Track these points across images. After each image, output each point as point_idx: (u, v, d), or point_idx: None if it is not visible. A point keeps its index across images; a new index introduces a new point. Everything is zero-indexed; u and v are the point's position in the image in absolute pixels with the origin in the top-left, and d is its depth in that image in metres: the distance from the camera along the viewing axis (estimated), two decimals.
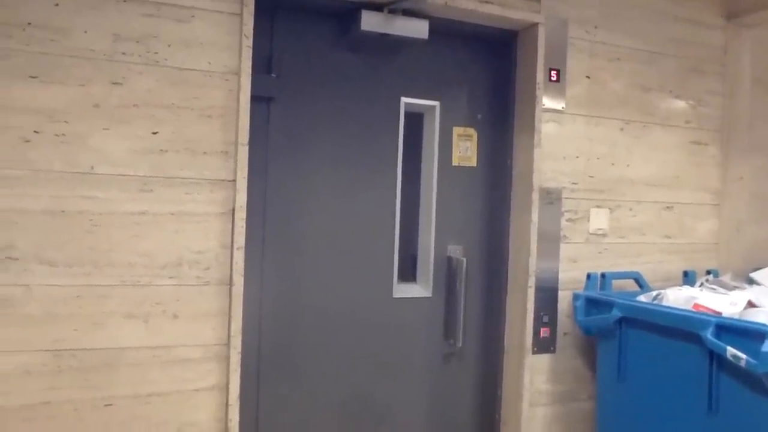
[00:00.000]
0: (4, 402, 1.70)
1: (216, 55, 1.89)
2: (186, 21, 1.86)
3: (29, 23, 1.70)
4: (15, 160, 1.70)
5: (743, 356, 1.73)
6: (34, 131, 1.72)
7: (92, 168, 1.77)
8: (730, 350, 1.76)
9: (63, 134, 1.74)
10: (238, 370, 1.92)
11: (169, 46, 1.84)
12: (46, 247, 1.73)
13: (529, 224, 2.31)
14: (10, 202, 1.70)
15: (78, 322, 1.77)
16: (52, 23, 1.73)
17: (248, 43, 1.91)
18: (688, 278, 2.48)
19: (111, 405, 1.81)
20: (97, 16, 1.77)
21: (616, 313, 2.16)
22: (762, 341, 1.67)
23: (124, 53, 1.80)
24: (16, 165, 1.70)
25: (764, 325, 1.75)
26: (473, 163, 2.41)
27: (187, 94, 1.87)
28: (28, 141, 1.71)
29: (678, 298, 2.11)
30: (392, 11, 2.09)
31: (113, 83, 1.79)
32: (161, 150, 1.84)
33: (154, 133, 1.84)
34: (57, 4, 1.73)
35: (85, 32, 1.76)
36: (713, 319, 1.85)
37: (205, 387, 1.90)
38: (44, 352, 1.73)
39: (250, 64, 1.92)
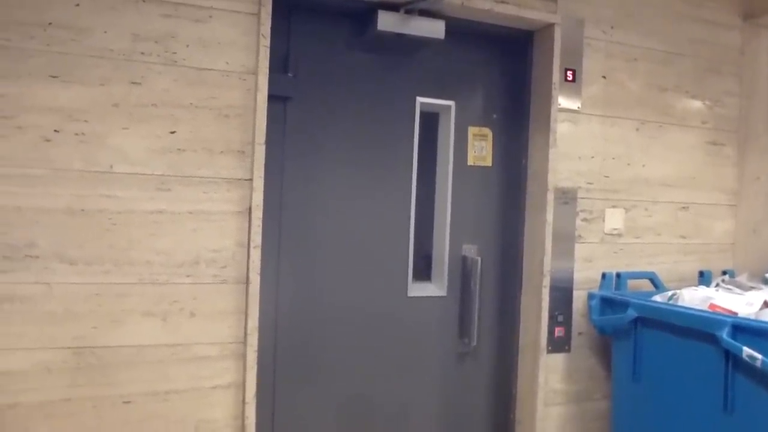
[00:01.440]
0: (25, 399, 1.72)
1: (233, 55, 1.90)
2: (204, 21, 1.87)
3: (50, 23, 1.72)
4: (36, 159, 1.71)
5: (759, 356, 1.72)
6: (55, 130, 1.73)
7: (111, 167, 1.79)
8: (747, 350, 1.76)
9: (83, 133, 1.76)
10: (255, 367, 1.93)
11: (187, 46, 1.85)
12: (66, 246, 1.75)
13: (544, 224, 2.31)
14: (31, 200, 1.71)
15: (97, 320, 1.78)
16: (73, 23, 1.74)
17: (265, 42, 1.92)
18: (704, 278, 2.48)
19: (129, 402, 1.82)
20: (116, 16, 1.78)
21: (631, 313, 2.15)
22: None
23: (143, 53, 1.81)
24: (37, 164, 1.72)
25: None
26: (488, 162, 2.41)
27: (205, 93, 1.88)
28: (48, 140, 1.72)
29: (694, 298, 2.10)
30: (408, 11, 2.09)
31: (132, 83, 1.80)
32: (179, 149, 1.85)
33: (172, 133, 1.85)
34: (78, 5, 1.74)
35: (105, 32, 1.77)
36: (729, 320, 1.85)
37: (221, 385, 1.91)
38: (64, 349, 1.75)
39: (267, 63, 1.93)
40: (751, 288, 2.22)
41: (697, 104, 2.58)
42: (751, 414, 1.81)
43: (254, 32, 1.92)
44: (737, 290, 2.18)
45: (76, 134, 1.75)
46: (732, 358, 1.84)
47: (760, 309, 1.98)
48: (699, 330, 1.93)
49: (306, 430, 2.18)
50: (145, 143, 1.82)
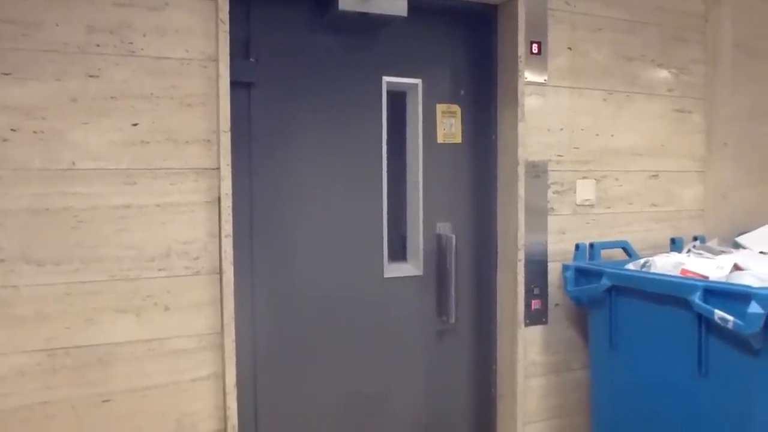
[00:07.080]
0: (1, 404, 1.69)
1: (193, 42, 1.86)
2: (160, 9, 1.82)
3: None
4: None
5: (731, 318, 1.75)
6: (12, 129, 1.68)
7: (74, 163, 1.75)
8: (718, 313, 1.78)
9: (41, 131, 1.71)
10: (234, 357, 1.92)
11: (144, 35, 1.81)
12: (32, 247, 1.71)
13: (516, 198, 2.31)
14: None
15: (69, 320, 1.75)
16: (22, 18, 1.68)
17: (225, 28, 1.88)
18: (676, 245, 2.51)
19: (108, 401, 1.80)
20: (67, 8, 1.72)
21: (605, 282, 2.17)
22: (748, 302, 1.69)
23: (98, 45, 1.76)
24: None
25: (749, 286, 1.76)
26: (458, 139, 2.40)
27: (166, 83, 1.84)
28: (5, 140, 1.68)
29: (666, 264, 2.13)
30: None
31: (89, 76, 1.75)
32: (143, 141, 1.82)
33: (135, 125, 1.81)
34: None
35: (57, 25, 1.72)
36: (700, 284, 1.87)
37: (201, 377, 1.90)
38: (37, 352, 1.72)
39: (227, 49, 1.88)
40: (722, 252, 2.25)
41: (663, 72, 2.59)
42: (725, 375, 1.84)
43: (212, 18, 1.88)
44: (708, 255, 2.21)
45: (35, 132, 1.70)
46: (705, 322, 1.86)
47: (731, 272, 2.01)
48: (672, 295, 1.95)
49: (289, 417, 2.18)
50: (107, 137, 1.78)
